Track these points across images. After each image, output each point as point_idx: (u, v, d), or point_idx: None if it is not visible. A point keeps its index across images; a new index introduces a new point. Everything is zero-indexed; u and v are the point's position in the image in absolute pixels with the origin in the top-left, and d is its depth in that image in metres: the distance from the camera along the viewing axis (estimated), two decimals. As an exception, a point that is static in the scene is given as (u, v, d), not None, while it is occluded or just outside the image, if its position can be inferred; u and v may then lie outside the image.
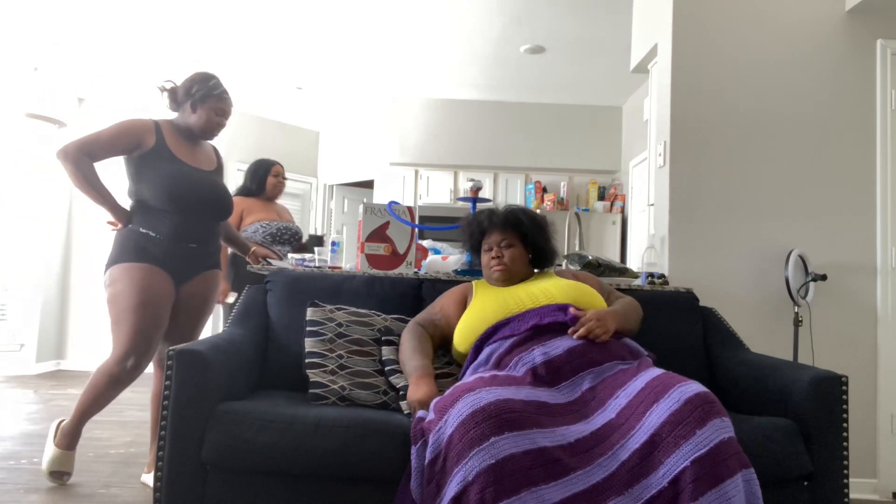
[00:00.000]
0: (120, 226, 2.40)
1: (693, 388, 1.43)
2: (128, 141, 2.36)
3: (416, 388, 1.74)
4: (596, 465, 1.39)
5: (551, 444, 1.40)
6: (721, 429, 1.36)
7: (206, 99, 2.45)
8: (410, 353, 1.89)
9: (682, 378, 1.49)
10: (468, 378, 1.65)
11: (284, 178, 3.59)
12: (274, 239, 3.39)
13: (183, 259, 2.43)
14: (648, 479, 1.35)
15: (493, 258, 2.03)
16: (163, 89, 2.51)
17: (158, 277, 2.36)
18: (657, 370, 1.56)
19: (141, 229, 2.38)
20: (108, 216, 2.41)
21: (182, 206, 2.38)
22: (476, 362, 1.82)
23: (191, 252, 2.45)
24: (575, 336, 1.71)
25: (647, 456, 1.37)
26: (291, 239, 3.48)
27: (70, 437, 2.44)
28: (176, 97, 2.49)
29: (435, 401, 1.57)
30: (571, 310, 1.79)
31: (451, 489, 1.34)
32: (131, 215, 2.41)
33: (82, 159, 2.30)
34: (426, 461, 1.46)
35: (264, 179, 3.51)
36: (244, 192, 3.52)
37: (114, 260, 2.38)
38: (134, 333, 2.30)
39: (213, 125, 2.49)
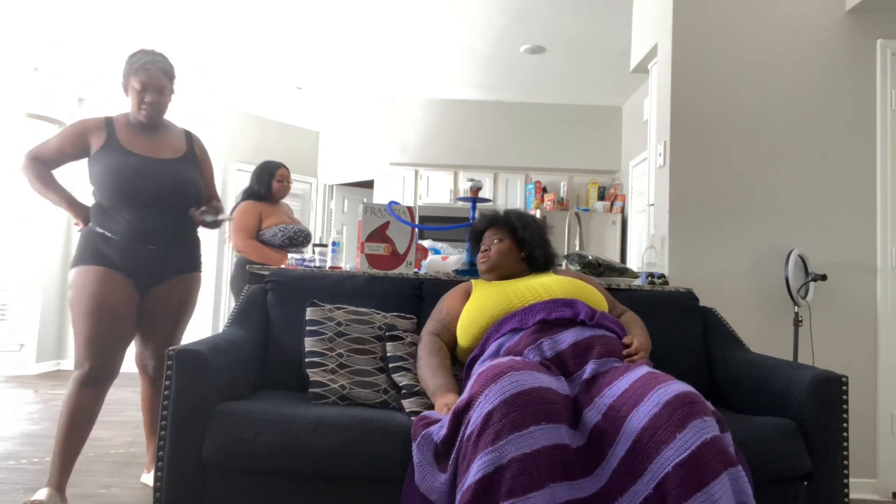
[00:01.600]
0: (82, 224, 2.29)
1: (673, 388, 1.40)
2: (76, 142, 2.27)
3: (443, 397, 1.74)
4: (594, 476, 1.39)
5: (568, 442, 1.40)
6: (702, 430, 1.32)
7: (127, 77, 2.27)
8: (432, 372, 1.87)
9: (665, 378, 1.45)
10: (494, 360, 1.61)
11: (289, 182, 3.68)
12: (291, 241, 3.52)
13: (144, 262, 2.27)
14: (636, 486, 1.34)
15: (481, 252, 2.11)
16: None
17: (114, 282, 2.21)
18: (643, 370, 1.54)
19: (98, 229, 2.24)
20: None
21: (131, 201, 2.21)
22: (484, 356, 1.82)
23: (151, 254, 2.28)
24: (630, 355, 1.76)
25: (633, 463, 1.35)
26: (304, 241, 3.64)
27: (55, 473, 2.16)
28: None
29: (476, 372, 1.53)
30: (625, 340, 1.80)
31: (481, 467, 1.31)
32: (90, 212, 2.29)
33: (33, 163, 2.26)
34: (464, 436, 1.42)
35: (269, 183, 3.59)
36: (252, 195, 3.60)
37: (73, 262, 2.27)
38: (87, 341, 2.17)
39: (140, 102, 2.26)
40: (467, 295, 2.07)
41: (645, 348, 1.81)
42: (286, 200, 3.87)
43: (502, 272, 2.07)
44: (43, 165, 2.27)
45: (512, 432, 1.32)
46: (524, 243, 2.09)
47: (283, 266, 3.32)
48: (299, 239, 3.58)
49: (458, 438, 1.45)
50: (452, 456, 1.45)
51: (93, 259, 2.22)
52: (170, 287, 2.37)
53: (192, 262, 2.45)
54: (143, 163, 2.25)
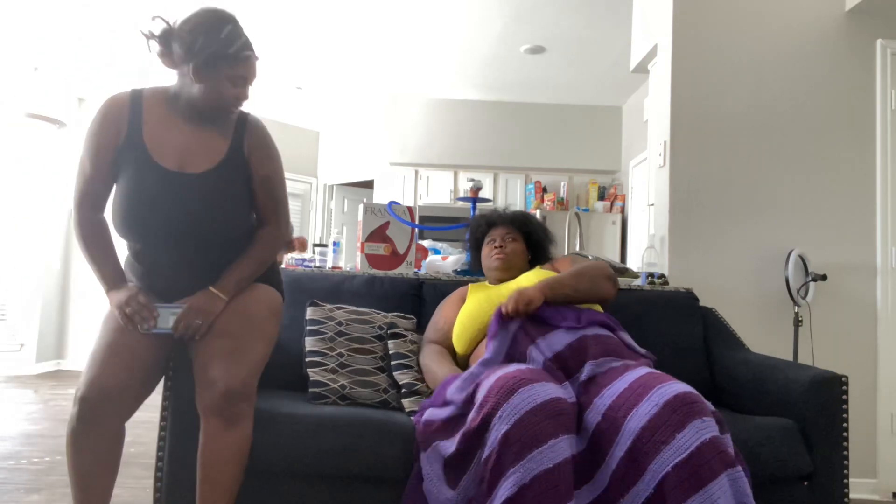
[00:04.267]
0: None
1: (672, 388, 1.39)
2: (105, 147, 1.60)
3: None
4: (595, 482, 1.40)
5: (575, 451, 1.41)
6: (702, 430, 1.32)
7: (215, 62, 1.57)
8: (437, 367, 1.88)
9: (665, 378, 1.44)
10: (501, 369, 1.57)
11: None
12: None
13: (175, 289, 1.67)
14: (637, 487, 1.34)
15: (495, 247, 2.06)
16: (149, 36, 1.62)
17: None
18: (643, 370, 1.52)
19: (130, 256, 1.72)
20: None
21: (136, 235, 1.62)
22: (481, 360, 1.81)
23: (187, 285, 1.66)
24: (504, 312, 1.70)
25: (633, 463, 1.35)
26: None
27: None
28: (170, 52, 1.61)
29: (486, 386, 1.48)
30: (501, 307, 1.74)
31: (506, 489, 1.31)
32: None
33: (81, 214, 1.64)
34: (481, 458, 1.40)
35: None
36: None
37: None
38: (91, 354, 1.58)
39: (230, 99, 1.65)
40: (463, 300, 2.07)
41: (519, 294, 1.71)
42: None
43: (511, 273, 2.05)
44: (91, 211, 1.64)
45: (532, 449, 1.32)
46: (532, 247, 2.10)
47: None
48: None
49: (474, 460, 1.43)
50: (466, 477, 1.44)
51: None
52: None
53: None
54: (161, 182, 1.59)
